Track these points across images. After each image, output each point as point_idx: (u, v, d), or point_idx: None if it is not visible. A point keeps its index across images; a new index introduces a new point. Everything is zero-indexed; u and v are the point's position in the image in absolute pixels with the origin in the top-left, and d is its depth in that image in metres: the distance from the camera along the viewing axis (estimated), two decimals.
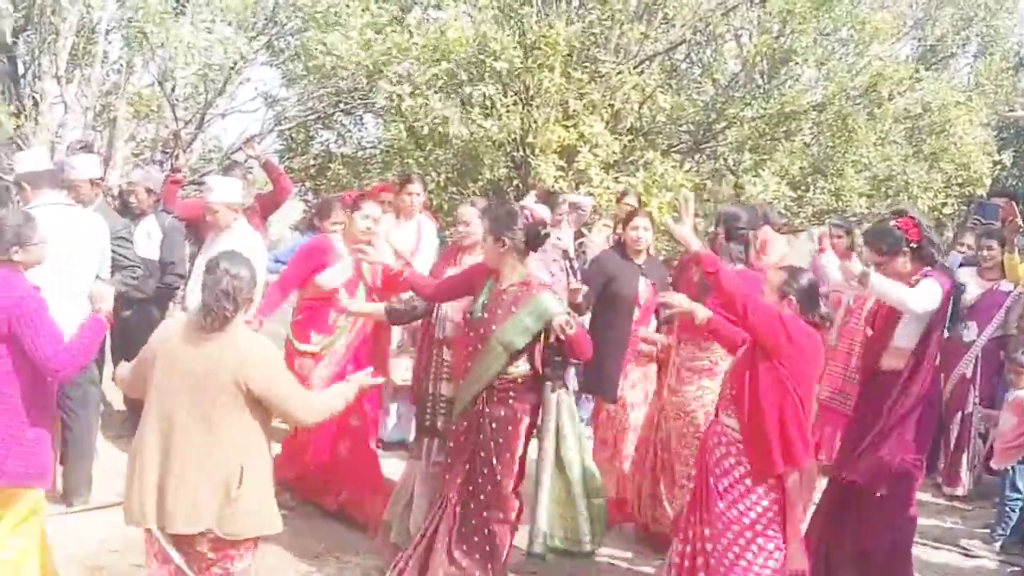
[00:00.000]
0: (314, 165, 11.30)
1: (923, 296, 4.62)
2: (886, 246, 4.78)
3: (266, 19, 10.17)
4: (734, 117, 11.11)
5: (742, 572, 3.99)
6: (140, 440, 3.70)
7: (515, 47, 8.99)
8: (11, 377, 3.90)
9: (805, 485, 4.06)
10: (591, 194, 9.15)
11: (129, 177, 6.64)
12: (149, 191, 6.79)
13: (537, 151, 9.28)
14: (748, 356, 4.07)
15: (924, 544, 5.91)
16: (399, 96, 8.98)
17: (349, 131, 11.90)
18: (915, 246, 4.76)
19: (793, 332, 3.92)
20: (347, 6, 9.30)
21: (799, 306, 4.04)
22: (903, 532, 4.86)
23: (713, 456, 4.16)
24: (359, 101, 10.75)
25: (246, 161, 8.43)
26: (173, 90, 9.51)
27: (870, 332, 5.11)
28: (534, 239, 4.62)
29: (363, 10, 9.36)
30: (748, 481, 4.03)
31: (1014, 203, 7.66)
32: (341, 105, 10.94)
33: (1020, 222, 6.61)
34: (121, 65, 9.72)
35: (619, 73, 9.80)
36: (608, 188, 9.20)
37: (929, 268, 4.74)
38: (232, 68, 9.30)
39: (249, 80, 10.52)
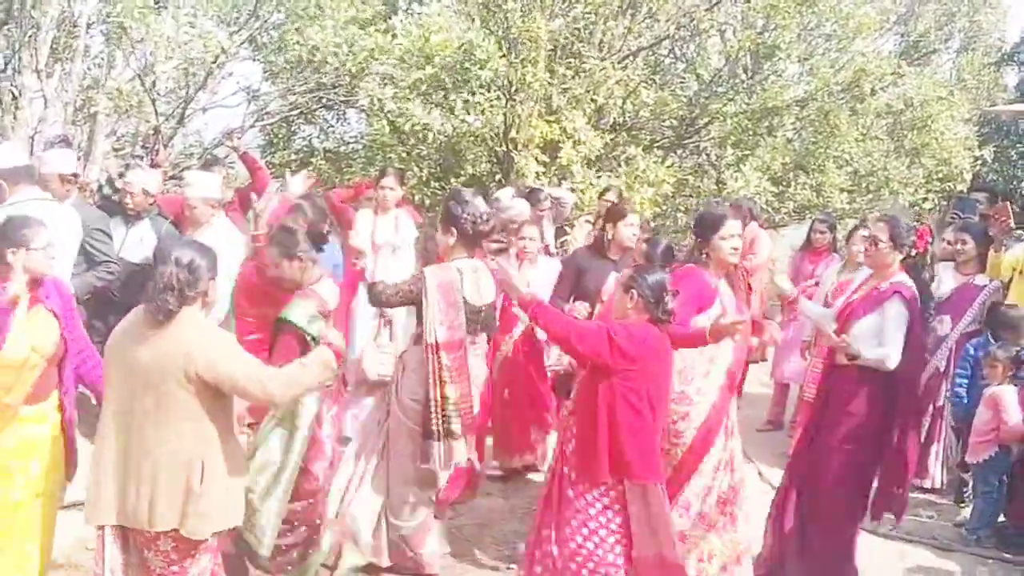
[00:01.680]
0: (296, 160, 11.29)
1: (894, 348, 4.71)
2: (898, 237, 4.84)
3: (248, 13, 10.15)
4: (717, 112, 11.16)
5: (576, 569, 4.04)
6: (99, 439, 3.65)
7: (501, 55, 8.97)
8: None
9: (653, 500, 4.05)
10: (573, 190, 9.18)
11: (127, 177, 6.47)
12: (146, 192, 6.65)
13: (520, 146, 9.29)
14: (590, 371, 4.10)
15: (899, 538, 5.95)
16: (380, 100, 8.97)
17: (331, 126, 11.91)
18: (914, 253, 4.94)
19: (626, 346, 3.93)
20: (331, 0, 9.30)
21: (642, 303, 4.07)
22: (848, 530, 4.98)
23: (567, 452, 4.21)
24: (342, 97, 10.75)
25: (227, 156, 8.41)
26: (154, 85, 9.47)
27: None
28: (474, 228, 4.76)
29: (348, 5, 9.35)
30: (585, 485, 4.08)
31: (1007, 203, 7.72)
32: (323, 100, 10.93)
33: (1012, 223, 6.66)
34: (102, 60, 9.69)
35: (603, 68, 9.82)
36: (590, 184, 9.23)
37: (899, 280, 4.83)
38: (213, 62, 9.29)
39: (231, 75, 10.52)
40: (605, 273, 5.90)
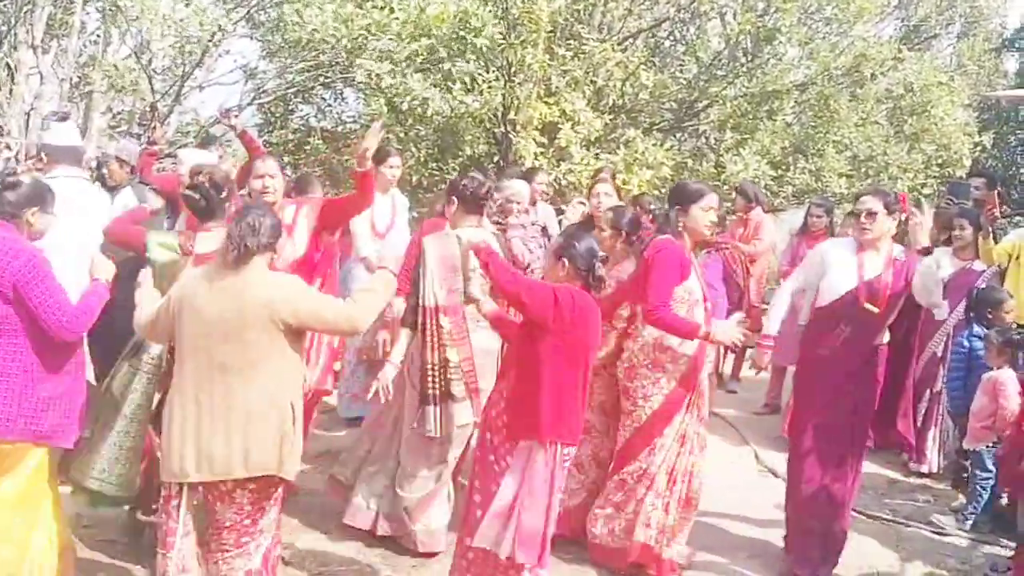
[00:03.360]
0: (293, 140, 11.23)
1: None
2: (890, 205, 4.86)
3: None
4: (716, 95, 11.12)
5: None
6: (177, 396, 3.67)
7: (496, 23, 8.92)
8: (19, 336, 3.84)
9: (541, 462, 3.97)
10: (572, 171, 9.15)
11: (104, 149, 6.53)
12: (122, 162, 6.68)
13: (518, 127, 9.25)
14: (528, 329, 4.07)
15: (895, 521, 5.96)
16: (378, 75, 8.92)
17: (329, 105, 11.85)
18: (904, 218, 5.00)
19: (568, 309, 3.91)
20: None
21: (573, 270, 4.05)
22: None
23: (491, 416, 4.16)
24: (339, 75, 10.68)
25: (224, 135, 8.36)
26: (150, 62, 9.41)
27: None
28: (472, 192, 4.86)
29: None
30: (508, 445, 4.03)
31: (994, 189, 7.70)
32: (321, 79, 10.86)
33: (997, 212, 6.65)
34: (98, 36, 9.62)
35: (602, 50, 9.77)
36: (588, 165, 9.19)
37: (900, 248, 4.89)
38: (210, 40, 9.22)
39: (228, 52, 10.46)
40: None
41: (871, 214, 4.82)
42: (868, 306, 4.77)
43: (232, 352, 3.59)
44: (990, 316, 6.10)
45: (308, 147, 10.86)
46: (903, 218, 5.03)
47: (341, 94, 11.82)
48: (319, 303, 3.78)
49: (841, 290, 4.85)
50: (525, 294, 3.98)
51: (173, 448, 3.63)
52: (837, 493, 4.91)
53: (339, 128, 11.65)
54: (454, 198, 4.90)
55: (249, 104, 10.88)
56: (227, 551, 3.74)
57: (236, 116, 7.76)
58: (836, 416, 4.85)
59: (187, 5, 8.87)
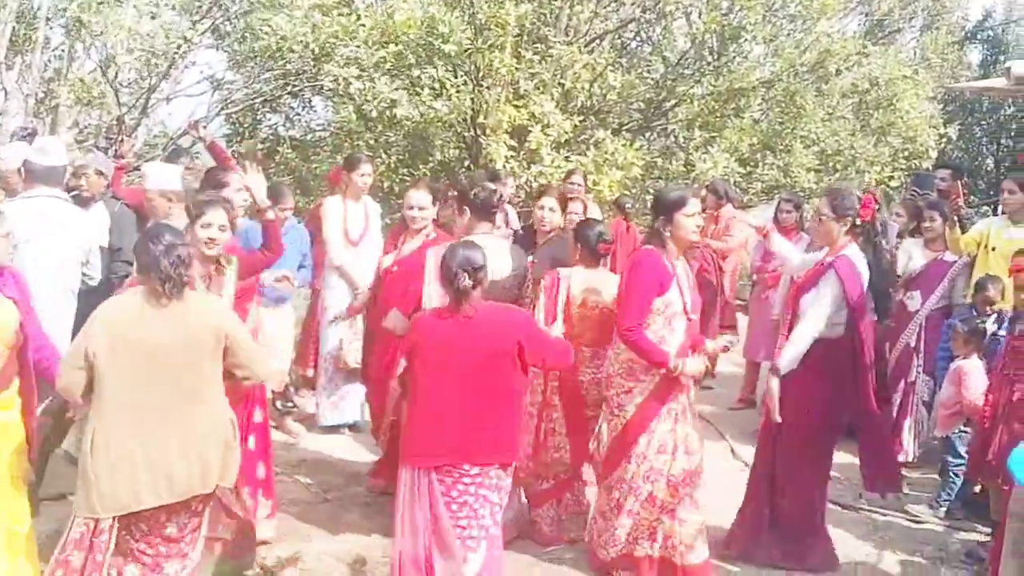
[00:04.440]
0: (262, 149, 11.18)
1: (813, 324, 4.81)
2: (839, 207, 4.91)
3: (211, 2, 10.03)
4: (684, 95, 11.19)
5: None
6: (110, 434, 3.63)
7: (464, 28, 8.93)
8: None
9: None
10: (542, 173, 9.18)
11: (79, 161, 6.44)
12: (100, 173, 6.60)
13: (488, 131, 9.27)
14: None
15: (871, 511, 6.02)
16: (346, 80, 8.91)
17: (297, 114, 11.84)
18: (859, 223, 4.93)
19: (413, 330, 4.28)
20: None
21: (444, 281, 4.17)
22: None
23: None
24: (307, 83, 10.66)
25: (193, 146, 8.33)
26: (116, 76, 9.35)
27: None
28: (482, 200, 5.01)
29: None
30: None
31: (958, 180, 7.78)
32: (288, 87, 10.83)
33: (961, 201, 6.72)
34: (63, 51, 9.56)
35: (570, 53, 9.80)
36: (559, 167, 9.22)
37: (843, 254, 4.88)
38: (176, 52, 9.18)
39: (195, 64, 10.41)
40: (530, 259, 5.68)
41: (818, 215, 4.92)
42: None
43: (184, 376, 3.69)
44: (980, 301, 6.17)
45: (277, 156, 10.83)
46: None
47: (309, 102, 11.81)
48: (247, 336, 3.98)
49: None
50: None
51: (119, 480, 3.62)
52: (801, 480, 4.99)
53: (308, 137, 11.63)
54: (466, 207, 5.04)
55: (217, 115, 10.84)
56: (186, 555, 3.87)
57: (205, 127, 7.73)
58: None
59: (153, 18, 8.81)
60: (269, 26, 9.08)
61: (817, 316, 4.82)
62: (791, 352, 4.84)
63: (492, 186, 5.14)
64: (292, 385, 7.32)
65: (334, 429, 6.93)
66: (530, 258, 5.59)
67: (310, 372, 7.28)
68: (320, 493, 5.87)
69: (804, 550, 5.06)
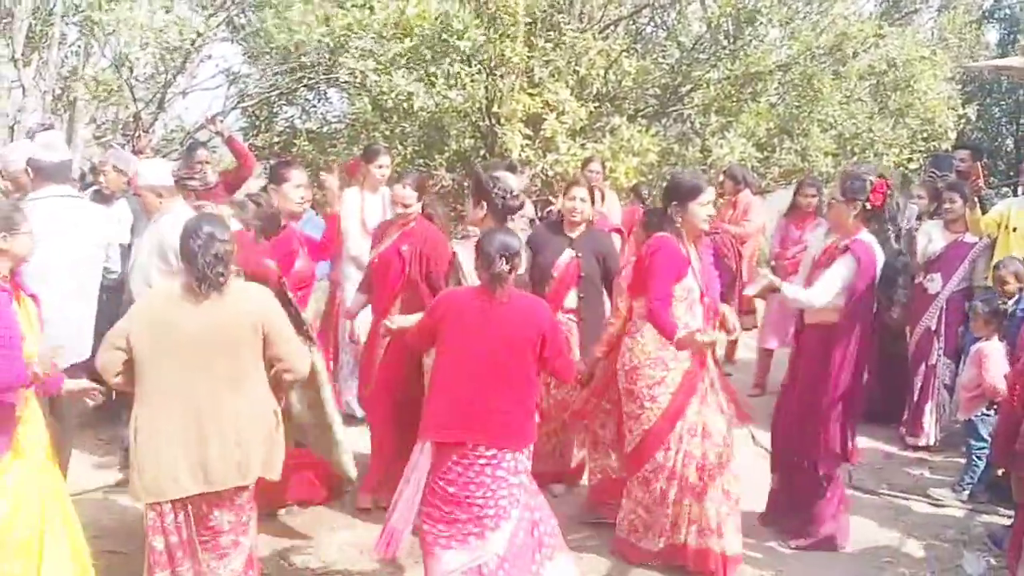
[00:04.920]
0: (279, 142, 11.21)
1: (822, 291, 4.90)
2: (849, 191, 4.94)
3: None
4: (700, 80, 11.13)
5: None
6: (152, 420, 3.68)
7: (477, 24, 8.89)
8: None
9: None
10: (559, 161, 9.16)
11: (101, 157, 6.43)
12: (119, 171, 6.58)
13: (503, 120, 9.25)
14: None
15: (892, 495, 6.01)
16: (363, 73, 8.91)
17: (313, 106, 11.84)
18: (869, 207, 4.94)
19: (431, 309, 4.36)
20: None
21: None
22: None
23: None
24: (322, 76, 10.66)
25: (210, 140, 8.35)
26: (131, 72, 9.37)
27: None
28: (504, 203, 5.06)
29: None
30: None
31: (977, 160, 7.72)
32: (304, 80, 10.84)
33: (981, 182, 6.68)
34: (79, 48, 9.59)
35: (583, 40, 9.76)
36: (575, 155, 9.20)
37: (858, 238, 4.93)
38: (191, 47, 9.19)
39: (210, 57, 10.42)
40: (560, 249, 5.74)
41: (830, 201, 5.06)
42: None
43: (220, 363, 3.68)
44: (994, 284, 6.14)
45: (294, 149, 10.84)
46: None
47: (325, 94, 11.81)
48: (289, 328, 3.94)
49: None
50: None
51: (163, 465, 3.65)
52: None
53: (324, 129, 11.63)
54: (484, 203, 5.05)
55: (233, 108, 10.86)
56: (225, 555, 3.81)
57: (222, 121, 7.76)
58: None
59: (167, 12, 8.82)
60: (283, 20, 9.07)
61: (827, 285, 4.88)
62: (794, 293, 4.99)
63: (512, 186, 5.13)
64: None
65: (360, 420, 6.91)
66: (571, 252, 5.67)
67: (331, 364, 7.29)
68: (346, 483, 5.87)
69: (807, 526, 5.15)
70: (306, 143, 10.88)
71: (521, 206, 5.22)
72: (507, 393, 4.05)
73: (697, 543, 4.73)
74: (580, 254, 5.69)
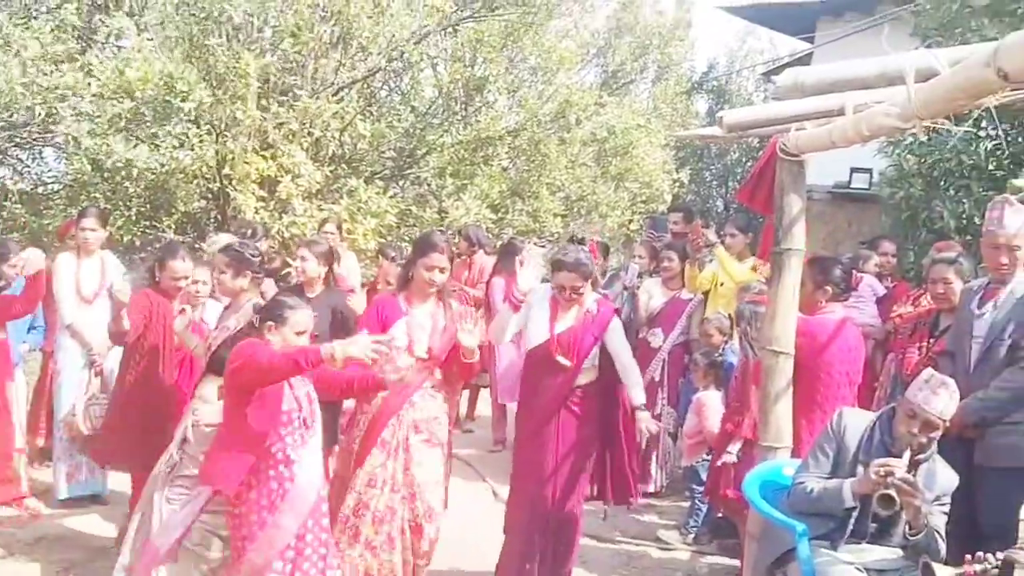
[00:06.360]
0: None
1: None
2: (588, 274, 5.08)
3: None
4: (434, 143, 11.36)
5: None
6: None
7: (203, 85, 8.60)
8: None
9: None
10: (295, 223, 9.01)
11: None
12: None
13: (235, 182, 9.01)
14: None
15: (623, 541, 6.26)
16: (75, 138, 8.41)
17: (27, 166, 11.01)
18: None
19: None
20: (19, 32, 8.49)
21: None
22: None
23: None
24: (36, 134, 9.95)
25: None
26: None
27: None
28: None
29: (34, 38, 8.56)
30: None
31: (690, 221, 8.31)
32: (15, 140, 10.07)
33: (701, 241, 7.18)
34: None
35: (317, 103, 9.70)
36: (312, 217, 9.09)
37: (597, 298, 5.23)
38: None
39: None
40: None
41: (575, 289, 5.05)
42: (560, 359, 5.01)
43: None
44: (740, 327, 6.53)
45: (4, 212, 10.01)
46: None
47: (40, 154, 11.02)
48: None
49: (536, 341, 5.10)
50: None
51: None
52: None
53: (39, 189, 10.84)
54: (246, 272, 4.97)
55: None
56: None
57: None
58: (543, 454, 5.04)
59: None
60: None
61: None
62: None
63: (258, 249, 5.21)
64: (26, 457, 6.74)
65: (76, 502, 6.44)
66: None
67: (39, 441, 6.80)
68: (61, 572, 5.43)
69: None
70: (17, 205, 10.07)
71: (262, 263, 5.19)
72: None
73: None
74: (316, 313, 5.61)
